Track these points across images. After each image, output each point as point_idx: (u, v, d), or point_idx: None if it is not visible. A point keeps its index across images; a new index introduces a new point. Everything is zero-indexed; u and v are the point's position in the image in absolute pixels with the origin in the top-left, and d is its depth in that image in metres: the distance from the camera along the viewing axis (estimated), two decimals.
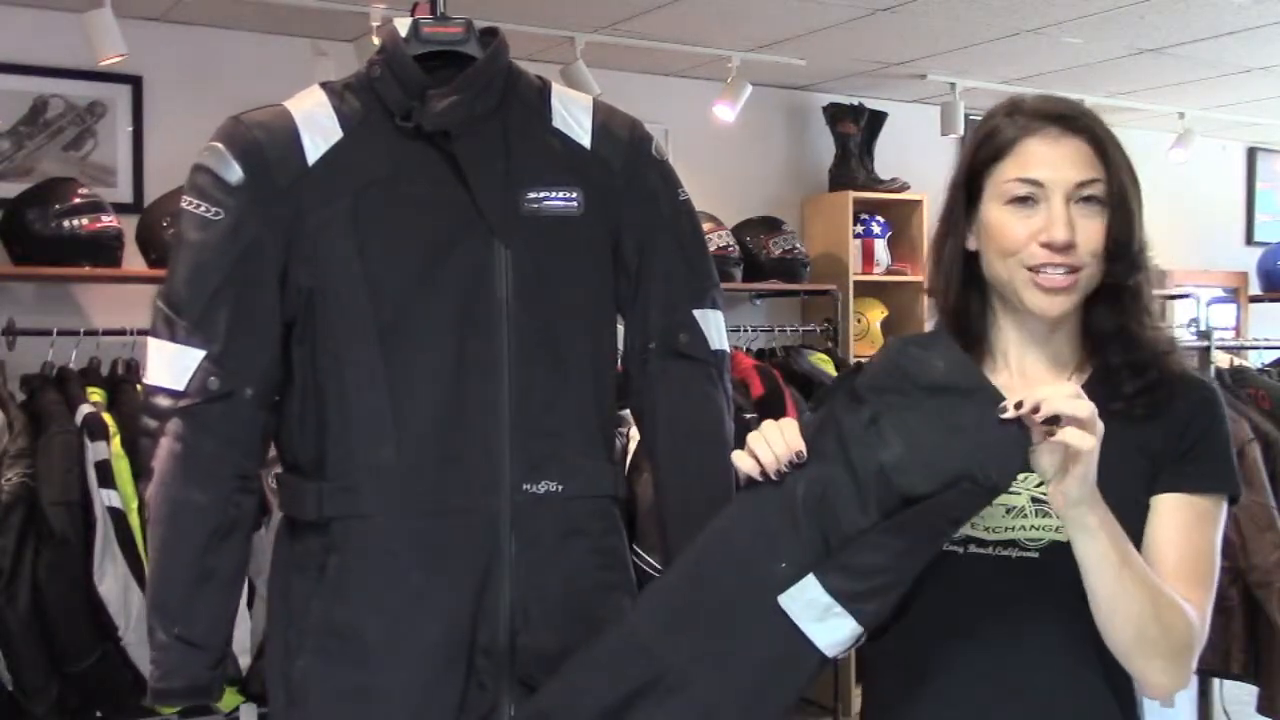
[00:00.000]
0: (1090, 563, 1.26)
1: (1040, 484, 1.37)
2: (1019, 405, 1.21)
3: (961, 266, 1.45)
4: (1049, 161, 1.38)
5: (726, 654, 1.27)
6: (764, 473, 1.28)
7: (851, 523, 1.23)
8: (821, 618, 1.24)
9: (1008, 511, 1.37)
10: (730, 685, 1.28)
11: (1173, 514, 1.38)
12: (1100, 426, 1.21)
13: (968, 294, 1.46)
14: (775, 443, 1.28)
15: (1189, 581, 1.34)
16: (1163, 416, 1.39)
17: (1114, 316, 1.41)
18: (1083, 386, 1.42)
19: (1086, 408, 1.20)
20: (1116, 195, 1.37)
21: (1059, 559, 1.33)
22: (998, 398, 1.22)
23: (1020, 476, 1.38)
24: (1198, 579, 1.36)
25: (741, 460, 1.30)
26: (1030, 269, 1.37)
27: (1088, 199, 1.37)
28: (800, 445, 1.27)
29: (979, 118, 1.51)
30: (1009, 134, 1.41)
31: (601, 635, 1.35)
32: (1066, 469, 1.21)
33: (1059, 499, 1.24)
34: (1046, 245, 1.36)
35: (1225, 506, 1.41)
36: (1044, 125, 1.40)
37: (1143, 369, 1.40)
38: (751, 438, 1.30)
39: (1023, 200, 1.38)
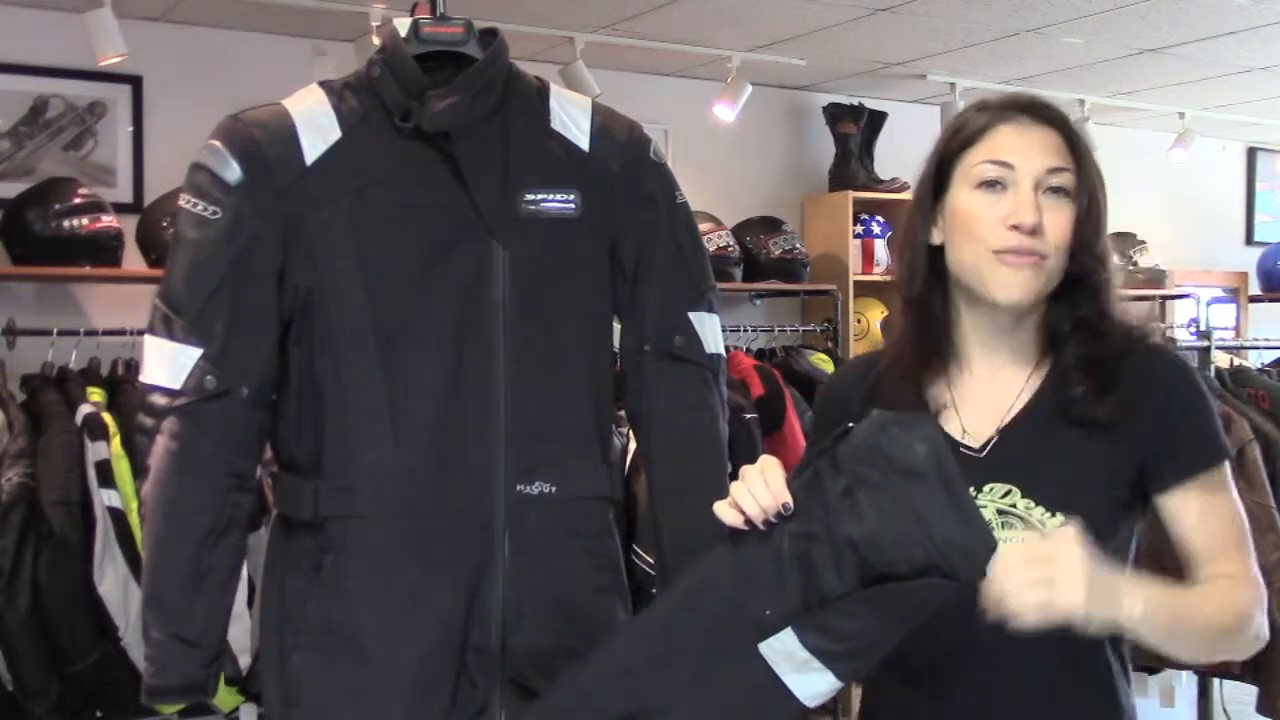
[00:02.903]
0: (1140, 637, 1.27)
1: (1005, 495, 1.37)
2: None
3: (926, 260, 1.45)
4: (1019, 147, 1.39)
5: (709, 693, 1.27)
6: (749, 523, 1.25)
7: (830, 586, 1.23)
8: (800, 670, 1.23)
9: None
10: None
11: (1187, 506, 1.39)
12: (1080, 568, 1.19)
13: (931, 289, 1.45)
14: (760, 495, 1.24)
15: (1225, 554, 1.37)
16: (1134, 418, 1.39)
17: (1072, 313, 1.41)
18: (1039, 387, 1.43)
19: (1037, 598, 1.18)
20: (1086, 189, 1.38)
21: None
22: (968, 495, 1.21)
23: (985, 488, 1.38)
24: (1232, 548, 1.39)
25: (725, 512, 1.26)
26: (996, 252, 1.37)
27: (1056, 189, 1.38)
28: (786, 497, 1.24)
29: None
30: (979, 123, 1.42)
31: (588, 661, 1.35)
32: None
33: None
34: (1015, 228, 1.36)
35: (1228, 466, 1.42)
36: (1015, 114, 1.41)
37: (1094, 367, 1.40)
38: (735, 488, 1.27)
39: (991, 185, 1.38)
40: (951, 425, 1.43)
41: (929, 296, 1.45)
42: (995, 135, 1.40)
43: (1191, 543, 1.38)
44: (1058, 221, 1.37)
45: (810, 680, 1.24)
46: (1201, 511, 1.39)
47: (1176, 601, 1.29)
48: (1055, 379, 1.42)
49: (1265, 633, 1.36)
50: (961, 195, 1.41)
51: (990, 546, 1.21)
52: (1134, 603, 1.23)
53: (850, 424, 1.26)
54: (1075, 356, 1.41)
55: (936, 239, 1.44)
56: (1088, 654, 1.37)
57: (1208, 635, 1.32)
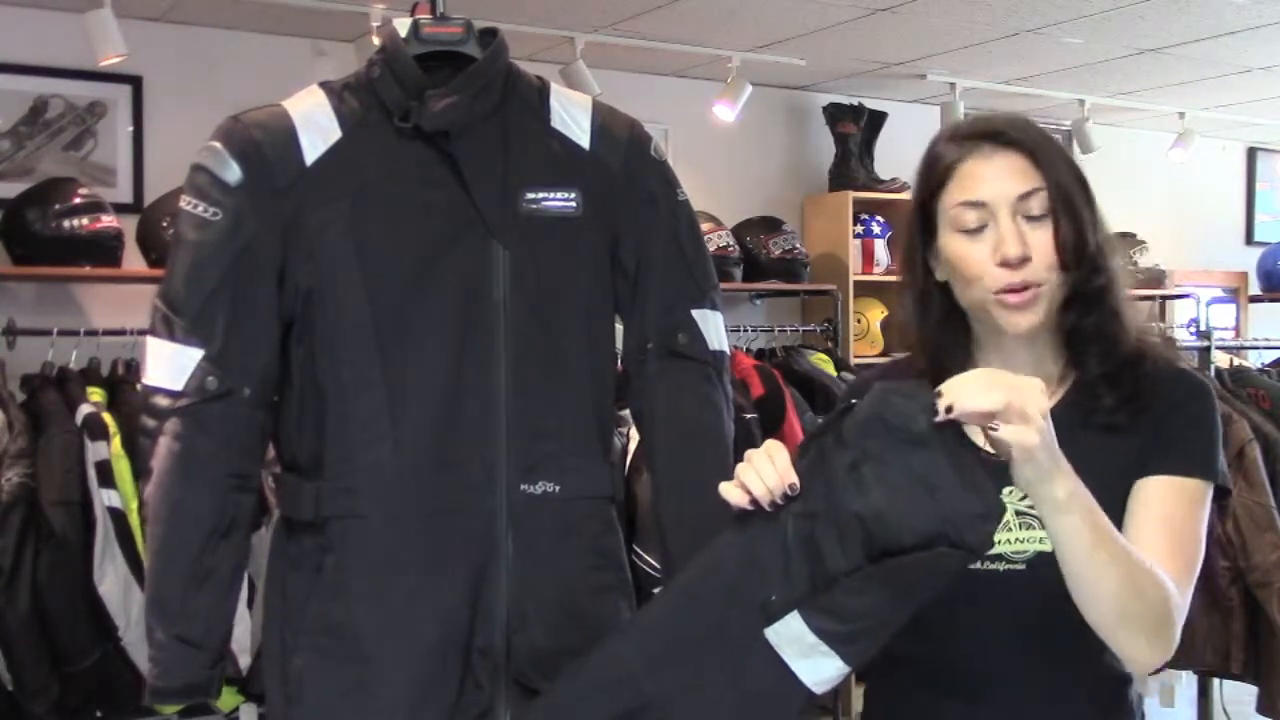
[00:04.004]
0: (1062, 538, 1.23)
1: (1024, 497, 1.37)
2: (948, 409, 1.17)
3: (926, 303, 1.46)
4: (988, 180, 1.38)
5: (714, 684, 1.26)
6: (755, 503, 1.25)
7: (835, 565, 1.22)
8: (807, 654, 1.23)
9: None
10: (717, 716, 1.27)
11: (1153, 495, 1.36)
12: (1038, 400, 1.17)
13: (942, 331, 1.46)
14: (767, 475, 1.24)
15: (1168, 555, 1.32)
16: (1147, 417, 1.39)
17: (1086, 322, 1.41)
18: (1063, 397, 1.43)
19: (994, 399, 1.16)
20: (1060, 201, 1.37)
21: (1045, 570, 1.33)
22: (974, 461, 1.20)
23: (1005, 490, 1.37)
24: (1177, 552, 1.33)
25: (730, 492, 1.26)
26: (995, 293, 1.38)
27: (1033, 212, 1.37)
28: (793, 477, 1.23)
29: None
30: (948, 159, 1.42)
31: (588, 658, 1.34)
32: (1022, 449, 1.18)
33: (1023, 481, 1.21)
34: (1003, 264, 1.36)
35: (1210, 494, 1.39)
36: (977, 144, 1.40)
37: (1118, 380, 1.40)
38: (741, 469, 1.26)
39: (972, 230, 1.39)
40: (973, 431, 1.44)
41: (941, 337, 1.46)
42: (963, 172, 1.40)
43: (1142, 529, 1.34)
44: (1041, 243, 1.37)
45: (817, 665, 1.23)
46: (1165, 509, 1.36)
47: (1111, 529, 1.25)
48: (1079, 391, 1.43)
49: (1173, 649, 1.31)
50: (949, 241, 1.41)
51: (998, 511, 1.20)
52: (1069, 483, 1.20)
53: (854, 400, 1.26)
54: (1099, 370, 1.41)
55: (941, 276, 1.45)
56: (1097, 654, 1.37)
57: (1128, 585, 1.24)
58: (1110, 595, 1.25)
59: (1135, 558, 1.26)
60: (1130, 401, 1.40)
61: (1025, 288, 1.37)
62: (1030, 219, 1.37)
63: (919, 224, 1.45)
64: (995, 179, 1.38)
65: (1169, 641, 1.30)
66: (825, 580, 1.22)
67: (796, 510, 1.24)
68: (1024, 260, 1.36)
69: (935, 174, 1.42)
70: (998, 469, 1.30)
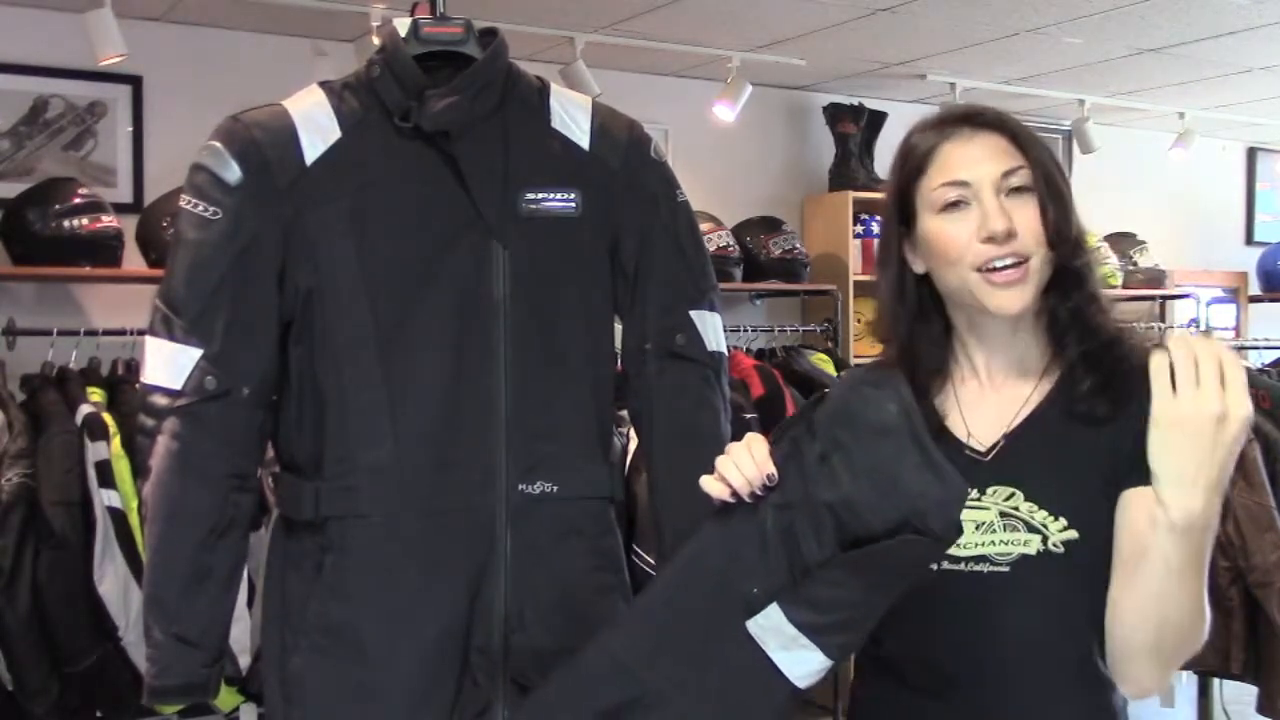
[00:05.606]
0: (1153, 554, 1.24)
1: (1008, 498, 1.37)
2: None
3: (901, 294, 1.45)
4: (969, 161, 1.38)
5: (702, 677, 1.26)
6: (735, 495, 1.25)
7: (810, 555, 1.22)
8: (788, 647, 1.23)
9: (977, 528, 1.36)
10: (706, 709, 1.27)
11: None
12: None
13: (917, 324, 1.45)
14: (745, 466, 1.24)
15: None
16: (1128, 412, 1.36)
17: (1066, 303, 1.40)
18: (1051, 388, 1.42)
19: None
20: (1043, 179, 1.37)
21: (1029, 572, 1.34)
22: (935, 451, 1.20)
23: (989, 490, 1.37)
24: None
25: (710, 485, 1.26)
26: (979, 270, 1.37)
27: (1016, 188, 1.37)
28: (770, 468, 1.24)
29: None
30: (925, 145, 1.41)
31: (581, 653, 1.34)
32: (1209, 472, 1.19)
33: (1176, 510, 1.21)
34: (989, 240, 1.35)
35: None
36: (955, 128, 1.40)
37: (1097, 361, 1.39)
38: (720, 462, 1.27)
39: (954, 205, 1.38)
40: (957, 429, 1.43)
41: (915, 335, 1.45)
42: (943, 154, 1.39)
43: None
44: (1028, 217, 1.36)
45: (799, 658, 1.23)
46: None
47: (1205, 567, 1.26)
48: (1063, 384, 1.42)
49: (1168, 684, 1.36)
50: (929, 222, 1.40)
51: (962, 496, 1.20)
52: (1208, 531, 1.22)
53: (825, 389, 1.27)
54: (1077, 352, 1.40)
55: (919, 268, 1.44)
56: (1081, 658, 1.37)
57: (1178, 622, 1.28)
58: (1154, 625, 1.28)
59: (1202, 605, 1.27)
60: (1109, 388, 1.38)
61: (1016, 264, 1.36)
62: (1012, 193, 1.37)
63: (896, 215, 1.44)
64: (977, 159, 1.38)
65: (1171, 675, 1.34)
66: (802, 571, 1.23)
67: (775, 501, 1.24)
68: (1009, 235, 1.35)
69: (913, 161, 1.41)
70: (969, 468, 1.30)
